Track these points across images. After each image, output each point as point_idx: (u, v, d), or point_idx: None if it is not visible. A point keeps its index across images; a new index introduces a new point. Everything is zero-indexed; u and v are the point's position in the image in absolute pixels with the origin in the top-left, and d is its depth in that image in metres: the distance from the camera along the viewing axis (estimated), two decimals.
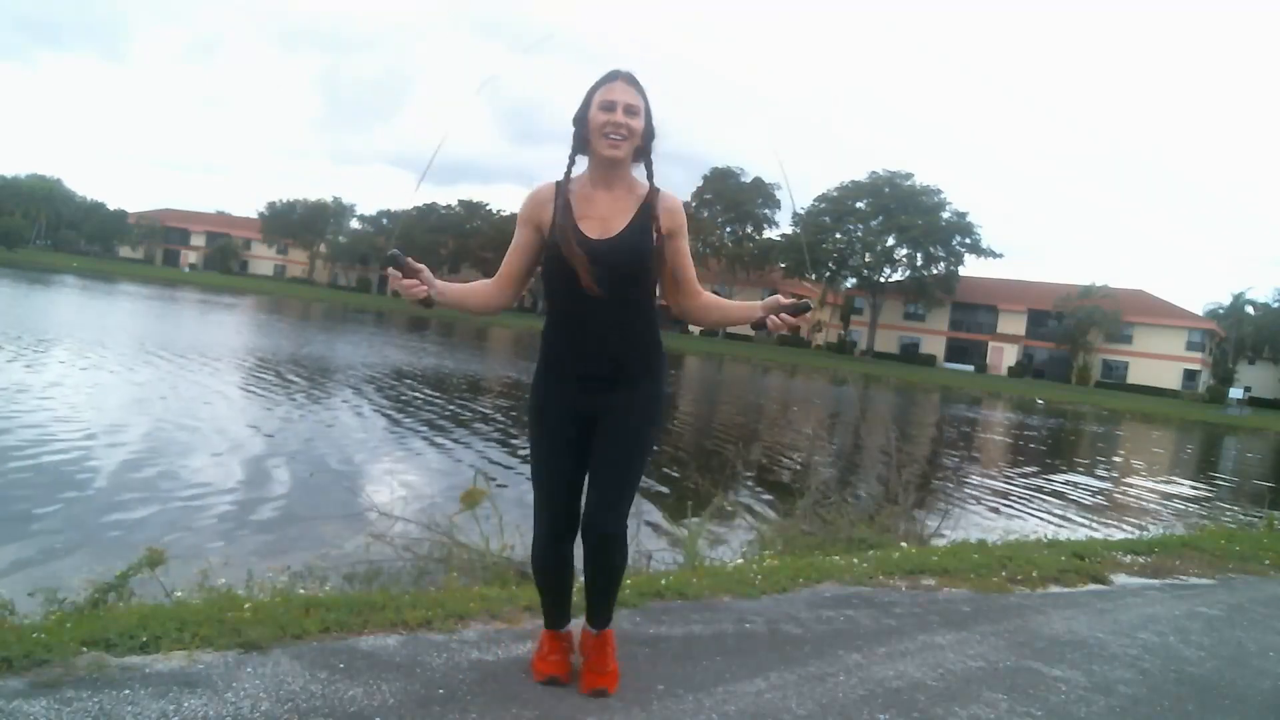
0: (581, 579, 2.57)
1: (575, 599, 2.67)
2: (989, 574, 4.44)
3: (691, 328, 68.94)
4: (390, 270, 2.24)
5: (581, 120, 2.37)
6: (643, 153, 2.43)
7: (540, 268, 2.44)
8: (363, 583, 4.08)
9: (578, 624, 2.64)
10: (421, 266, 2.26)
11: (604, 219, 2.37)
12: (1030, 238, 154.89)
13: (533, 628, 2.90)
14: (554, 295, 2.41)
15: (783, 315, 2.29)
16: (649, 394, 2.46)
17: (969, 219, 62.60)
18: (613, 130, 2.31)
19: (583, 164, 2.44)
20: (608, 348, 2.37)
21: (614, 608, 2.58)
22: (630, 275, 2.35)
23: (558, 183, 2.42)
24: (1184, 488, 15.98)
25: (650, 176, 2.45)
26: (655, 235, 2.39)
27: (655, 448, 2.63)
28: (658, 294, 2.52)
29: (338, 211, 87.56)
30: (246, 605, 2.82)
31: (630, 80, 2.36)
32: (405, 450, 10.54)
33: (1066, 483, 14.45)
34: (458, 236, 77.66)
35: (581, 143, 2.39)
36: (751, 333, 68.08)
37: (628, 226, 2.37)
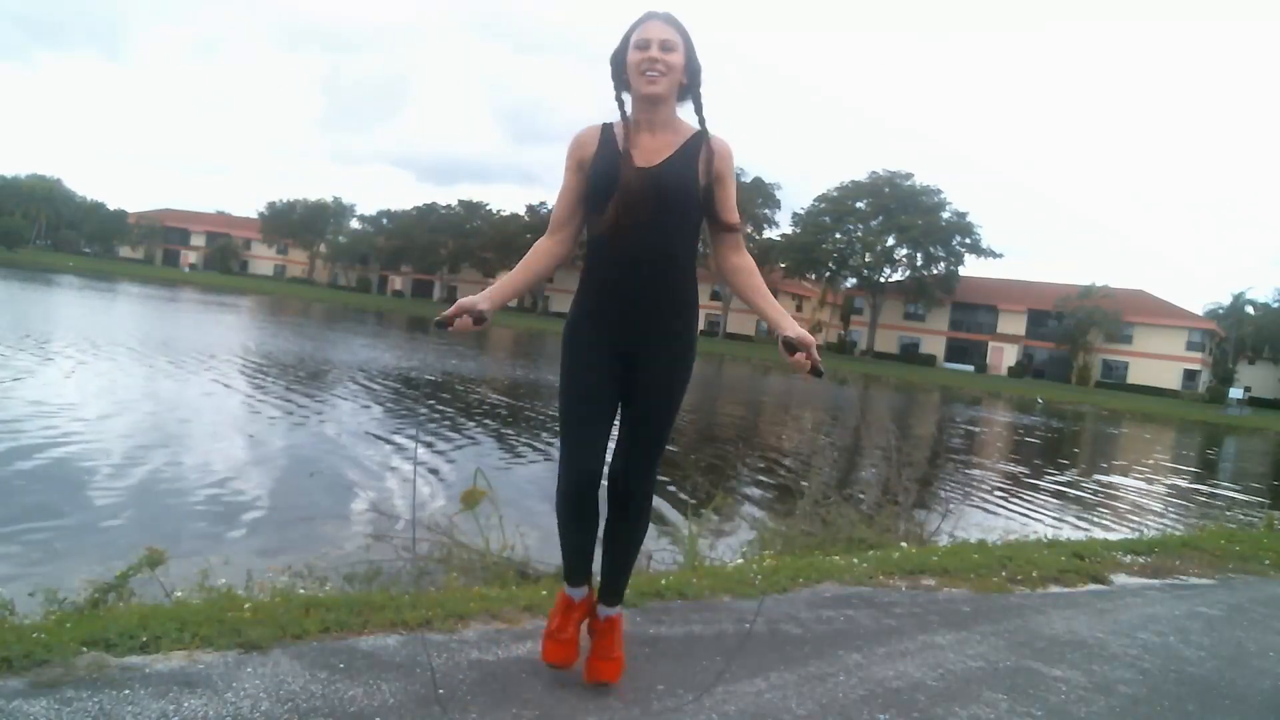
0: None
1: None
2: (989, 574, 4.44)
3: None
4: (450, 331, 2.24)
5: (619, 61, 2.35)
6: (688, 90, 2.38)
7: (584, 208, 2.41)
8: (363, 583, 4.08)
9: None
10: (460, 303, 2.24)
11: (648, 150, 2.34)
12: (1030, 238, 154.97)
13: (532, 627, 2.90)
14: (597, 225, 2.36)
15: (798, 357, 2.23)
16: (686, 341, 2.44)
17: (969, 219, 62.69)
18: (649, 67, 2.28)
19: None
20: (649, 279, 2.34)
21: (626, 585, 2.58)
22: (674, 204, 2.32)
23: (604, 124, 2.41)
24: (1184, 488, 15.97)
25: (700, 116, 2.41)
26: (700, 175, 2.36)
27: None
28: (699, 246, 2.47)
29: (338, 211, 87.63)
30: (246, 605, 2.82)
31: (667, 19, 2.33)
32: (405, 450, 10.53)
33: (1066, 482, 14.45)
34: (458, 236, 77.66)
35: (622, 83, 2.37)
36: (751, 332, 68.43)
37: (668, 159, 2.34)
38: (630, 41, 2.33)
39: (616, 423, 2.48)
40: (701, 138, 2.39)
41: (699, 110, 2.41)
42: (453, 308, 2.26)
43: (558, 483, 2.44)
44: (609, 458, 2.46)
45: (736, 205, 2.47)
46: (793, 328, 2.29)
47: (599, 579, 2.61)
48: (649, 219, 2.30)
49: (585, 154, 2.39)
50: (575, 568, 2.54)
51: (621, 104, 2.40)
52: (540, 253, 2.45)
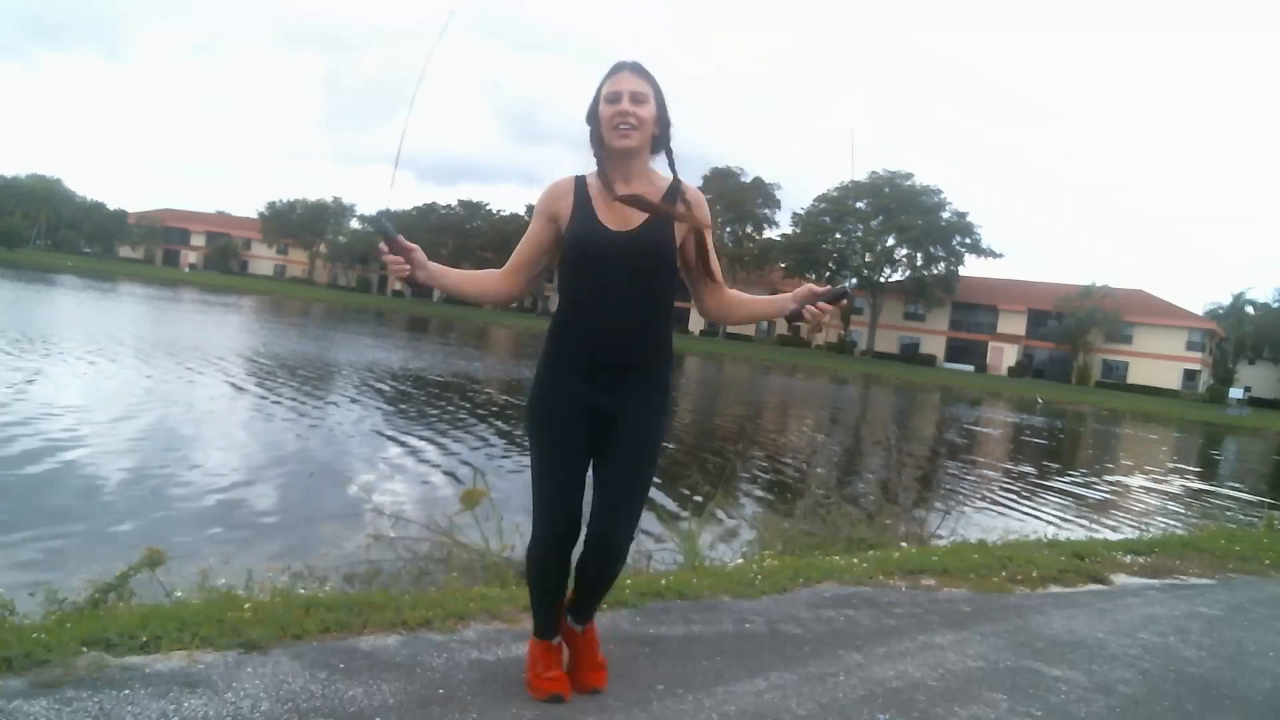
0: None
1: None
2: (989, 574, 4.44)
3: (691, 327, 69.38)
4: (381, 245, 2.21)
5: (593, 117, 2.34)
6: (660, 141, 2.37)
7: (557, 261, 2.40)
8: (363, 583, 4.08)
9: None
10: (413, 246, 2.23)
11: (624, 213, 2.32)
12: (1030, 238, 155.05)
13: (532, 627, 2.90)
14: (571, 287, 2.37)
15: (820, 304, 2.26)
16: (661, 391, 2.42)
17: (969, 219, 62.67)
18: (621, 121, 2.27)
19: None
20: (624, 341, 2.32)
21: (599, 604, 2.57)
22: (650, 269, 2.32)
23: (577, 177, 2.40)
24: (1184, 488, 15.97)
25: (672, 167, 2.40)
26: (677, 230, 2.35)
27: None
28: (677, 289, 2.46)
29: (338, 211, 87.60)
30: (246, 605, 2.82)
31: (636, 69, 2.32)
32: (405, 450, 10.53)
33: (1066, 482, 14.45)
34: (458, 236, 77.64)
35: (598, 142, 2.35)
36: (751, 333, 68.43)
37: (647, 219, 2.32)
38: (601, 96, 2.31)
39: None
40: (678, 188, 2.39)
41: (671, 164, 2.41)
42: (409, 245, 2.22)
43: (530, 542, 2.42)
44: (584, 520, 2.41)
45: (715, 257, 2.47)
46: (789, 296, 2.32)
47: (570, 606, 2.52)
48: (628, 281, 2.29)
49: (558, 209, 2.37)
50: (548, 623, 2.49)
51: (601, 161, 2.37)
52: (491, 282, 2.43)
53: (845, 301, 2.29)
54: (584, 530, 2.40)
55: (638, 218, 2.33)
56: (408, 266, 2.22)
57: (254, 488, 7.77)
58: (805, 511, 6.10)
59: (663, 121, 2.36)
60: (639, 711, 2.38)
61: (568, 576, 2.47)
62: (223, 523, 6.58)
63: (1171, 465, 21.01)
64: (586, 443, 2.37)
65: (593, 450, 2.38)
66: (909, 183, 63.29)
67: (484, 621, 2.95)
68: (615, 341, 2.32)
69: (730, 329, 68.46)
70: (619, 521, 2.36)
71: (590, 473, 2.42)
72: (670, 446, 11.86)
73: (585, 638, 2.52)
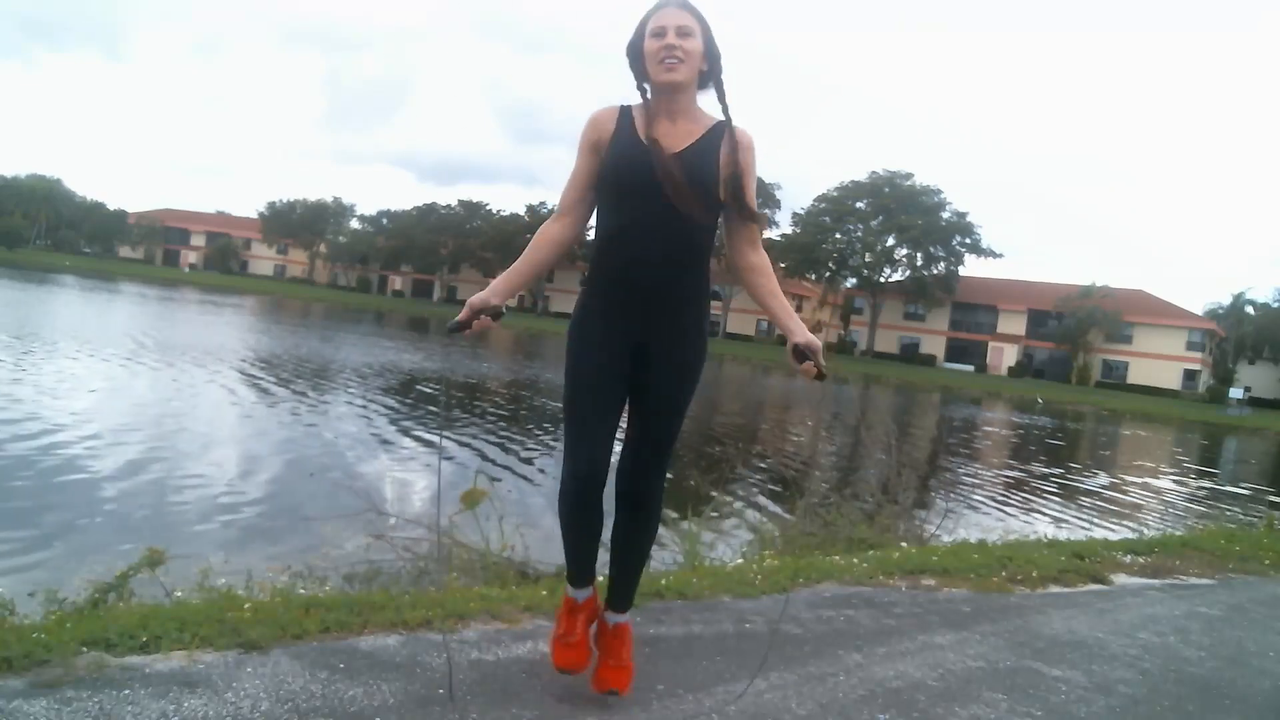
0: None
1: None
2: (989, 574, 4.43)
3: None
4: (468, 333, 2.23)
5: (636, 51, 2.30)
6: (708, 76, 2.31)
7: (599, 188, 2.33)
8: (363, 583, 4.08)
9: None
10: (471, 303, 2.21)
11: (669, 136, 2.27)
12: (1030, 238, 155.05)
13: (532, 627, 2.90)
14: (612, 212, 2.30)
15: (808, 366, 2.24)
16: (699, 335, 2.37)
17: (969, 219, 62.67)
18: (667, 55, 2.22)
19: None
20: (663, 267, 2.26)
21: (635, 590, 2.52)
22: (694, 194, 2.24)
23: (622, 106, 2.34)
24: (1184, 487, 15.97)
25: (724, 104, 2.33)
26: (721, 166, 2.28)
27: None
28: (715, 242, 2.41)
29: (338, 211, 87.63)
30: (246, 605, 2.82)
31: (682, 4, 2.26)
32: (406, 450, 10.53)
33: (1066, 482, 14.46)
34: (458, 236, 77.63)
35: (641, 74, 2.31)
36: (751, 332, 68.44)
37: (690, 146, 2.27)
38: (646, 30, 2.27)
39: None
40: (723, 127, 2.32)
41: (722, 98, 2.33)
42: (465, 310, 2.21)
43: (562, 480, 2.38)
44: (615, 457, 2.40)
45: (756, 201, 2.41)
46: (803, 333, 2.27)
47: (605, 584, 2.54)
48: (671, 205, 2.23)
49: (602, 136, 2.31)
50: (579, 569, 2.46)
51: (644, 92, 2.32)
52: (547, 238, 2.37)
53: (823, 380, 2.27)
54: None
55: (682, 142, 2.28)
56: (487, 317, 2.22)
57: (254, 488, 7.77)
58: (805, 511, 6.10)
59: (711, 55, 2.29)
60: (639, 711, 2.38)
61: (600, 519, 2.41)
62: (223, 523, 6.58)
63: (1170, 465, 21.01)
64: (618, 378, 2.33)
65: (627, 387, 2.35)
66: (909, 183, 63.29)
67: (484, 621, 2.95)
68: (655, 268, 2.26)
69: (731, 329, 68.52)
70: (642, 456, 2.35)
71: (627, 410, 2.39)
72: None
73: (616, 632, 2.46)
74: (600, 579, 2.59)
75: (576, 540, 2.43)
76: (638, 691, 2.49)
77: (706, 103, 2.38)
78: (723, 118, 2.34)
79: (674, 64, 2.23)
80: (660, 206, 2.23)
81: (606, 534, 2.49)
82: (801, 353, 2.26)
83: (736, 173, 2.30)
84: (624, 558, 2.46)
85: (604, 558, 2.53)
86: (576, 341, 2.37)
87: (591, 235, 2.42)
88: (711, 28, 2.31)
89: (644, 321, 2.30)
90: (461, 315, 2.22)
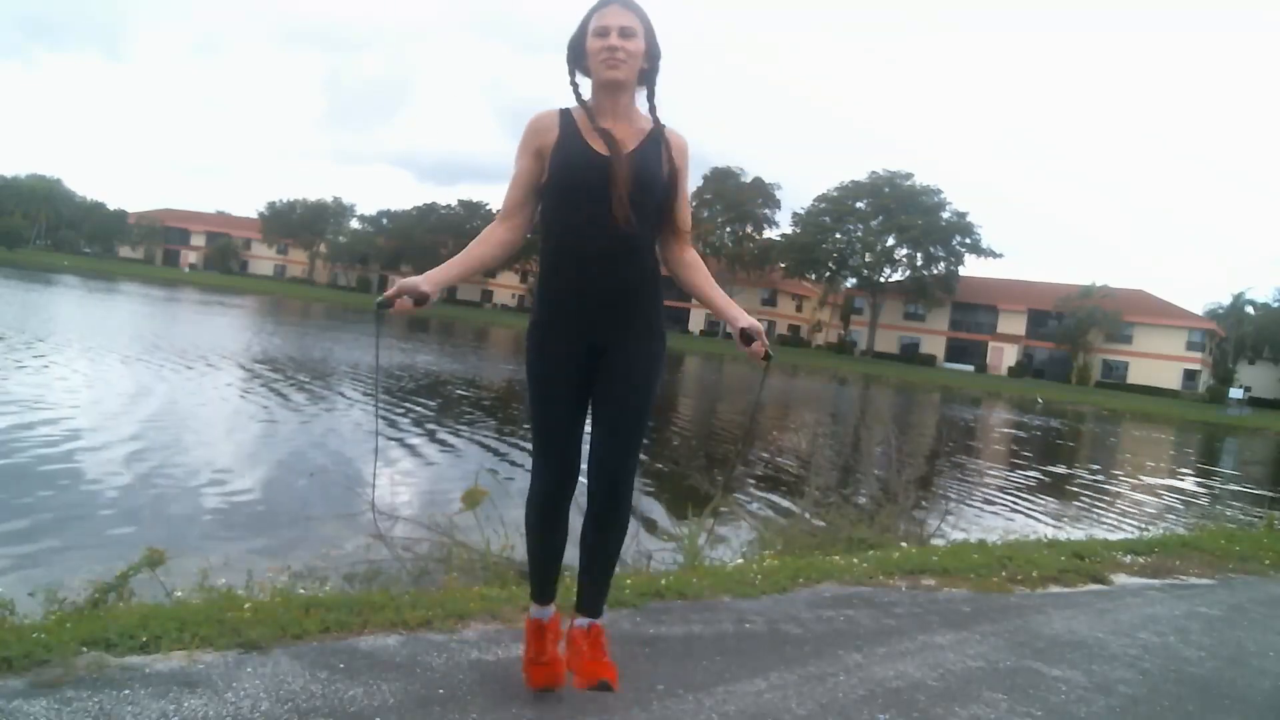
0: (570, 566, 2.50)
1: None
2: (989, 574, 4.44)
3: (691, 327, 69.34)
4: (382, 311, 2.19)
5: (578, 48, 2.30)
6: (647, 76, 2.34)
7: (542, 197, 2.34)
8: (363, 583, 4.08)
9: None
10: (401, 284, 2.18)
11: (613, 139, 2.27)
12: (1030, 238, 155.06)
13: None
14: (557, 216, 2.31)
15: (755, 347, 2.26)
16: (657, 331, 2.38)
17: (969, 219, 62.71)
18: (609, 55, 2.23)
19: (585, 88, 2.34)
20: (613, 270, 2.27)
21: (607, 595, 2.49)
22: (638, 195, 2.25)
23: (561, 109, 2.35)
24: (1184, 487, 15.97)
25: (653, 107, 2.36)
26: (664, 165, 2.32)
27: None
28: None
29: (338, 211, 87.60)
30: (246, 605, 2.82)
31: (625, 3, 2.27)
32: (406, 450, 10.53)
33: (1066, 482, 14.45)
34: (457, 236, 77.57)
35: (579, 68, 2.32)
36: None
37: (638, 148, 2.29)
38: (589, 28, 2.27)
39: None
40: (660, 130, 2.35)
41: (651, 99, 2.36)
42: (393, 288, 2.20)
43: (529, 490, 2.41)
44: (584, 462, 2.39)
45: (690, 206, 2.45)
46: (745, 318, 2.29)
47: (576, 590, 2.50)
48: (608, 207, 2.23)
49: (544, 141, 2.31)
50: (542, 583, 2.47)
51: (577, 88, 2.33)
52: (491, 239, 2.36)
53: (764, 361, 2.29)
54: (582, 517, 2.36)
55: (628, 144, 2.29)
56: (408, 299, 2.18)
57: (254, 487, 7.77)
58: (805, 511, 6.10)
59: (651, 55, 2.32)
60: (639, 711, 2.38)
61: (564, 535, 2.45)
62: (223, 523, 6.58)
63: (1171, 465, 21.00)
64: (578, 385, 2.35)
65: (589, 391, 2.36)
66: (909, 183, 63.31)
67: (484, 621, 2.95)
68: (605, 271, 2.27)
69: (730, 330, 68.36)
70: (611, 449, 2.33)
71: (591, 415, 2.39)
72: (672, 447, 11.87)
73: (590, 635, 2.41)
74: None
75: (542, 552, 2.45)
76: (638, 691, 2.48)
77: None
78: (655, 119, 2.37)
79: (615, 63, 2.25)
80: (608, 208, 2.24)
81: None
82: (748, 336, 2.28)
83: (673, 174, 2.34)
84: (592, 563, 2.43)
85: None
86: (534, 351, 2.38)
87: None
88: (654, 28, 2.32)
89: (598, 325, 2.32)
90: (390, 292, 2.20)
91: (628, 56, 2.25)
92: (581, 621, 2.44)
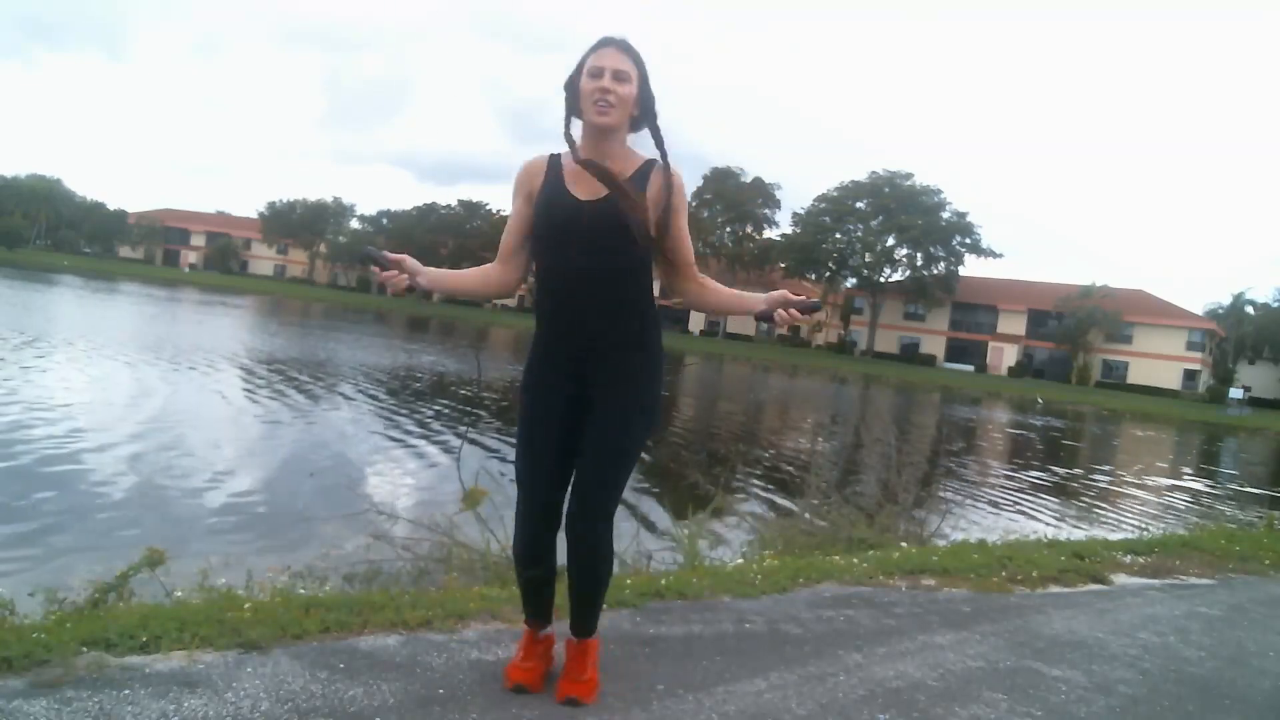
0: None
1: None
2: (989, 574, 4.44)
3: (691, 327, 69.36)
4: (372, 268, 2.22)
5: (572, 87, 2.31)
6: (639, 121, 2.34)
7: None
8: (363, 583, 4.08)
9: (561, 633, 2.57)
10: (401, 257, 2.22)
11: (593, 182, 2.27)
12: (1030, 238, 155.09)
13: None
14: (541, 261, 2.34)
15: (792, 311, 2.22)
16: (641, 372, 2.36)
17: (969, 219, 62.66)
18: (600, 97, 2.24)
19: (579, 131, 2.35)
20: (594, 317, 2.28)
21: (598, 617, 2.48)
22: (615, 239, 2.24)
23: (551, 155, 2.38)
24: (1184, 487, 15.97)
25: (659, 145, 2.35)
26: (656, 201, 2.30)
27: (649, 438, 2.52)
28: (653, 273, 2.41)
29: (338, 211, 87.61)
30: (246, 605, 2.82)
31: (622, 47, 2.27)
32: (406, 450, 10.53)
33: (1066, 482, 14.45)
34: (458, 236, 77.61)
35: (575, 109, 2.33)
36: (751, 333, 68.42)
37: (609, 194, 2.27)
38: (584, 67, 2.27)
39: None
40: (650, 167, 2.33)
41: (659, 142, 2.35)
42: (397, 256, 2.21)
43: (515, 528, 2.43)
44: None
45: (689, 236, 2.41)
46: (765, 295, 2.28)
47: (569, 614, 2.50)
48: (590, 253, 2.25)
49: (533, 186, 2.35)
50: (534, 612, 2.49)
51: (569, 131, 2.34)
52: (488, 276, 2.42)
53: (817, 314, 2.26)
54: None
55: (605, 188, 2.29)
56: (404, 276, 2.21)
57: (254, 488, 7.77)
58: (805, 511, 6.10)
59: (644, 102, 2.31)
60: (639, 711, 2.38)
61: (553, 567, 2.47)
62: (223, 523, 6.58)
63: (1171, 465, 21.00)
64: (561, 427, 2.36)
65: (577, 434, 2.36)
66: (909, 183, 63.27)
67: (484, 621, 2.95)
68: (585, 318, 2.29)
69: (731, 329, 68.52)
70: (588, 499, 2.32)
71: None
72: (672, 447, 11.86)
73: (578, 649, 2.45)
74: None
75: (530, 585, 2.47)
76: (638, 691, 2.49)
77: (642, 144, 2.39)
78: (651, 157, 2.36)
79: (605, 108, 2.25)
80: (588, 252, 2.25)
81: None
82: (778, 303, 2.23)
83: (667, 213, 2.32)
84: (578, 588, 2.43)
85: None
86: (526, 390, 2.42)
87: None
88: (649, 74, 2.31)
89: (585, 368, 2.33)
90: (392, 257, 2.21)
91: (618, 101, 2.25)
92: (573, 637, 2.48)
